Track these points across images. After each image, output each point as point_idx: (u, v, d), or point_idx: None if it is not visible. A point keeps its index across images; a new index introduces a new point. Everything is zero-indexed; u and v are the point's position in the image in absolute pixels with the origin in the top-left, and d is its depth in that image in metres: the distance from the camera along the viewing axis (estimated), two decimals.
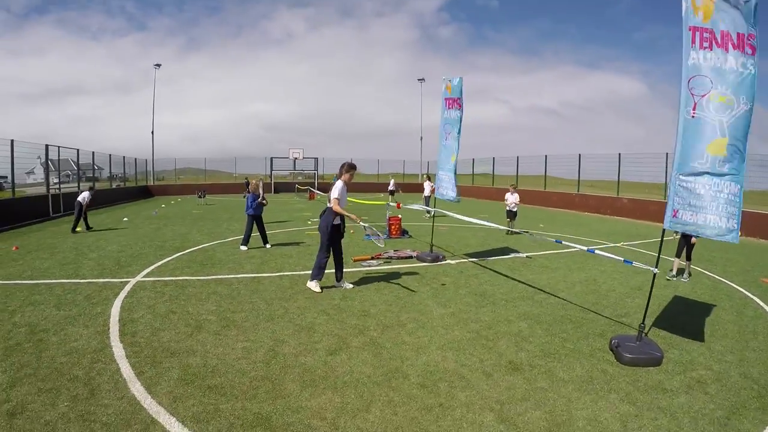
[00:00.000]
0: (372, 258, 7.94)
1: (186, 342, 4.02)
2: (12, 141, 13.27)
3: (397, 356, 3.84)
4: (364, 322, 4.61)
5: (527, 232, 10.71)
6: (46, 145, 15.09)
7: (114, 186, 24.73)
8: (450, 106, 7.87)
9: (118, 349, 3.84)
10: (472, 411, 3.00)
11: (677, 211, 3.98)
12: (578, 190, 20.58)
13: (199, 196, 22.73)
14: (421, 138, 39.28)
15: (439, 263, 7.77)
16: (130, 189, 26.08)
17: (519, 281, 6.68)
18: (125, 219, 14.34)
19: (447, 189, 8.03)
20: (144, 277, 6.49)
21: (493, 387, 3.36)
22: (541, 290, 6.22)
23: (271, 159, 32.31)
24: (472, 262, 7.97)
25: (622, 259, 4.85)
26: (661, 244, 4.21)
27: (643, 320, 4.22)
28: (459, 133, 7.79)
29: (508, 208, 12.14)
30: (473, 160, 29.29)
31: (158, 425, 2.69)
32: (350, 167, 5.79)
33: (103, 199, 19.04)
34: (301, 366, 3.53)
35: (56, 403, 2.91)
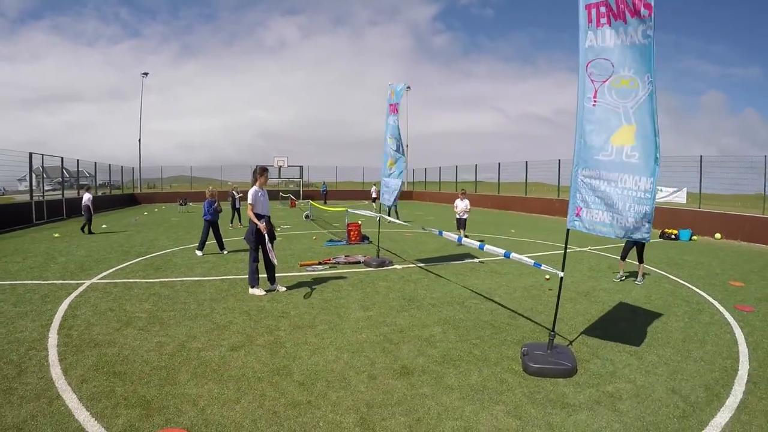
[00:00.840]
0: (319, 263, 8.42)
1: (111, 335, 4.53)
2: (30, 154, 14.06)
3: (292, 355, 4.02)
4: (278, 323, 4.95)
5: (430, 230, 11.16)
6: (30, 153, 15.64)
7: (100, 193, 25.22)
8: (392, 112, 8.12)
9: (52, 340, 4.35)
10: (336, 411, 3.06)
11: (580, 209, 3.72)
12: (558, 196, 21.19)
13: (181, 204, 23.26)
14: (407, 145, 39.83)
15: (385, 268, 8.08)
16: (116, 197, 26.65)
17: (459, 286, 6.76)
18: (104, 226, 14.86)
19: (385, 194, 8.51)
20: (99, 279, 7.01)
21: (370, 390, 3.37)
22: (479, 295, 6.25)
23: (257, 167, 32.72)
24: (420, 267, 8.26)
25: (532, 262, 4.51)
26: (566, 244, 4.12)
27: (553, 327, 4.01)
28: (399, 138, 8.04)
29: (457, 216, 11.41)
30: (456, 167, 29.92)
31: (61, 400, 3.21)
32: (262, 171, 6.15)
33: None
34: (200, 359, 3.94)
35: None
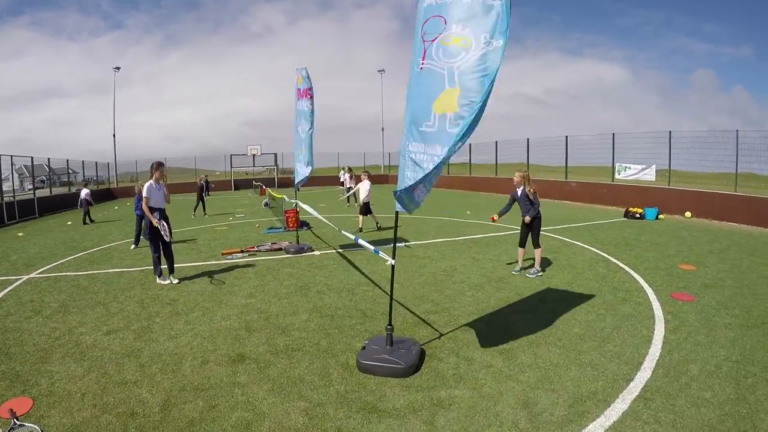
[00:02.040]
0: (241, 251, 9.15)
1: (20, 323, 5.27)
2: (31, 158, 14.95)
3: (152, 339, 4.54)
4: (161, 310, 5.50)
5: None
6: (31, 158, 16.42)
7: (74, 190, 25.91)
8: (300, 96, 8.22)
9: None
10: (150, 391, 3.47)
11: (415, 189, 3.29)
12: (566, 177, 20.33)
13: None
14: (383, 129, 40.52)
15: (302, 255, 8.65)
16: (92, 191, 27.29)
17: (362, 272, 6.95)
18: (69, 223, 15.64)
19: (297, 178, 9.00)
20: (37, 274, 7.78)
21: (194, 375, 3.72)
22: (374, 282, 6.39)
23: (231, 156, 33.59)
24: (338, 252, 8.76)
25: (373, 248, 4.80)
26: (395, 231, 4.04)
27: (390, 321, 3.87)
28: (312, 126, 8.14)
29: (364, 200, 10.81)
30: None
31: None
32: (158, 166, 6.64)
33: (57, 204, 20.32)
34: (76, 342, 4.63)
35: None
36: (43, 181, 31.66)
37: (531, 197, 6.38)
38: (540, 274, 6.51)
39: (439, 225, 12.19)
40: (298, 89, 8.47)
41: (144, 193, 6.52)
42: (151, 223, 6.53)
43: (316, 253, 8.85)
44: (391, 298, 4.03)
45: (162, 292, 6.43)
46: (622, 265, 7.01)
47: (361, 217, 11.14)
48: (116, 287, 6.73)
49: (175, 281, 6.80)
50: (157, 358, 4.21)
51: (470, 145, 26.42)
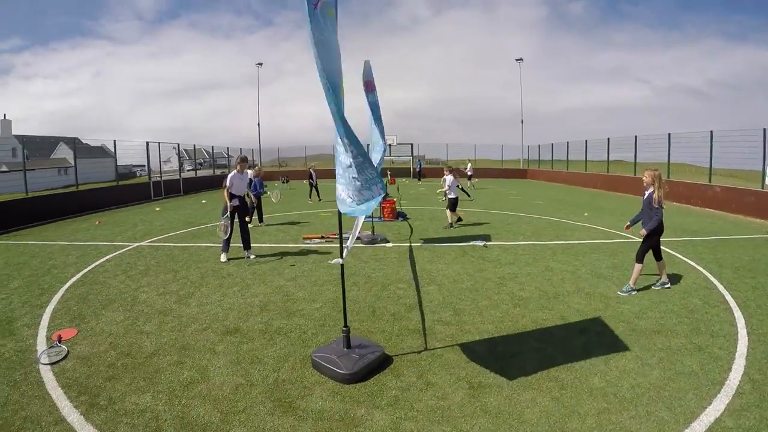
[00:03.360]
0: (321, 237, 10.25)
1: (108, 279, 7.08)
2: (147, 143, 19.89)
3: (186, 303, 5.76)
4: (212, 281, 6.77)
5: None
6: (147, 143, 21.03)
7: (218, 173, 31.12)
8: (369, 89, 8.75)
9: (75, 277, 7.16)
10: (157, 340, 4.82)
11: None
12: (668, 176, 19.27)
13: (283, 182, 27.40)
14: (522, 121, 38.88)
15: (374, 245, 9.33)
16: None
17: (414, 270, 7.24)
18: (203, 201, 19.07)
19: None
20: (146, 242, 10.04)
21: (192, 336, 4.69)
22: (420, 281, 6.62)
23: (367, 145, 36.05)
24: (416, 245, 9.24)
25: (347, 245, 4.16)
26: (340, 230, 4.33)
27: (345, 323, 4.08)
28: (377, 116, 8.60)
29: (451, 195, 11.22)
30: (586, 141, 28.46)
31: (49, 301, 5.79)
32: (241, 160, 8.20)
33: (201, 185, 24.91)
34: (133, 297, 6.12)
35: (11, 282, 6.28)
36: (201, 164, 38.82)
37: (656, 204, 5.73)
38: (667, 285, 6.19)
39: (543, 226, 11.70)
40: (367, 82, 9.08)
41: (226, 183, 7.97)
42: (225, 207, 7.94)
43: (389, 245, 9.42)
44: (344, 299, 4.20)
45: (226, 266, 7.75)
46: (729, 299, 5.83)
47: (448, 212, 11.55)
48: (195, 259, 8.32)
49: (252, 257, 8.23)
50: (177, 319, 5.33)
51: (608, 140, 24.13)
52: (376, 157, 9.14)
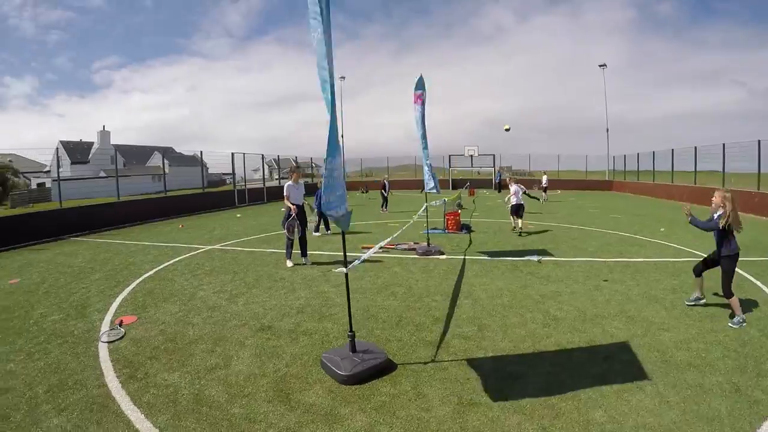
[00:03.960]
0: (380, 247, 10.74)
1: (174, 276, 8.16)
2: (232, 153, 22.18)
3: (234, 301, 6.56)
4: (265, 284, 7.52)
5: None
6: (232, 153, 23.11)
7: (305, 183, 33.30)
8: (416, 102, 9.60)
9: (149, 272, 8.35)
10: (198, 328, 5.65)
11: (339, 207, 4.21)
12: (758, 188, 17.54)
13: (363, 192, 28.49)
14: (607, 130, 36.80)
15: (428, 256, 9.59)
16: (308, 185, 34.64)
17: (459, 283, 7.41)
18: (282, 209, 20.50)
19: (428, 181, 9.98)
20: (217, 246, 11.25)
21: (232, 330, 5.58)
22: (457, 294, 6.79)
23: (449, 156, 36.41)
24: (470, 258, 9.36)
25: (358, 261, 5.27)
26: (344, 243, 4.75)
27: (350, 328, 4.47)
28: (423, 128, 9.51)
29: (513, 202, 12.57)
30: (672, 151, 26.57)
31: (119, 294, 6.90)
32: (294, 170, 9.06)
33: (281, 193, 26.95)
34: (191, 293, 7.00)
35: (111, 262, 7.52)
36: (287, 173, 41.54)
37: (725, 226, 5.37)
38: (743, 323, 5.42)
39: (610, 241, 11.21)
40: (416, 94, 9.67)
41: (285, 192, 8.81)
42: (289, 214, 8.70)
43: (442, 257, 9.61)
44: (349, 306, 4.61)
45: (281, 271, 8.51)
46: None
47: (512, 218, 12.63)
48: (257, 262, 9.22)
49: (308, 263, 8.97)
50: (222, 315, 6.08)
51: (695, 148, 22.25)
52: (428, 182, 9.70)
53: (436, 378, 4.20)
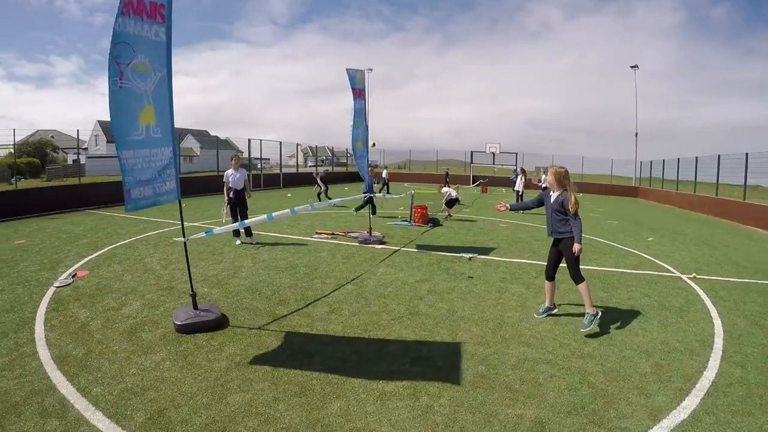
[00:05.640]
0: (332, 233, 12.10)
1: (142, 245, 10.49)
2: (280, 142, 25.60)
3: (171, 269, 8.92)
4: (206, 257, 9.58)
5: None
6: (260, 141, 25.75)
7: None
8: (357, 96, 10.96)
9: (123, 242, 10.67)
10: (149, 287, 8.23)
11: (130, 191, 4.85)
12: None
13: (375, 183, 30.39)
14: (636, 134, 36.23)
15: (366, 245, 10.83)
16: (340, 173, 36.69)
17: (372, 271, 8.42)
18: (289, 195, 22.78)
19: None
20: (199, 223, 13.50)
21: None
22: (360, 281, 7.91)
23: (471, 153, 37.49)
24: (404, 250, 10.39)
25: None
26: (181, 214, 6.35)
27: (191, 289, 5.80)
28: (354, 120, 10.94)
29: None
30: (696, 158, 26.28)
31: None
32: (234, 160, 11.02)
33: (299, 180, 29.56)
34: (145, 263, 9.16)
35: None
36: (323, 161, 44.15)
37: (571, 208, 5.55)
38: (592, 327, 5.51)
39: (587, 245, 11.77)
40: (354, 89, 11.00)
41: (225, 177, 10.83)
42: (229, 197, 10.77)
43: (378, 246, 10.81)
44: (189, 268, 5.99)
45: (226, 248, 10.43)
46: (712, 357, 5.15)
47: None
48: (218, 240, 11.26)
49: (254, 242, 10.68)
50: (147, 276, 8.11)
51: (718, 156, 21.90)
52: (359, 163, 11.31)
53: (244, 341, 5.24)
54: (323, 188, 20.36)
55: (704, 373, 4.76)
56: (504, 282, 7.92)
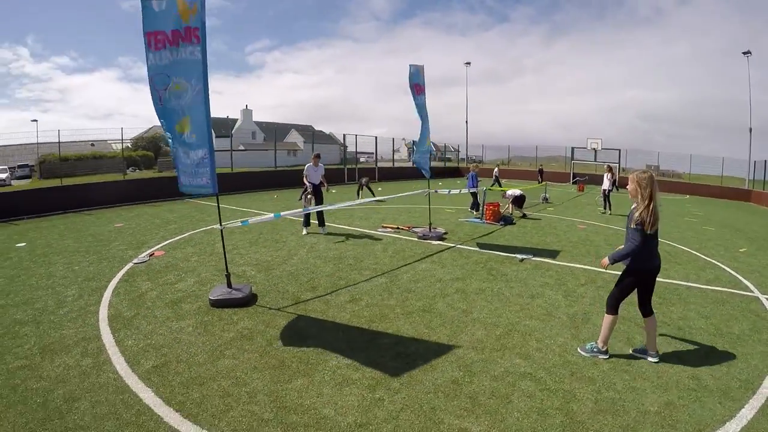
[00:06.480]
0: (398, 228, 12.49)
1: (233, 232, 11.88)
2: (375, 137, 27.84)
3: (233, 254, 10.08)
4: (268, 245, 10.55)
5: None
6: (375, 137, 27.22)
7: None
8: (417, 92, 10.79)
9: (203, 229, 12.19)
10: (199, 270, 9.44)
11: (179, 177, 6.28)
12: None
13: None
14: (750, 129, 31.56)
15: (423, 240, 11.02)
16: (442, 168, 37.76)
17: (413, 265, 8.59)
18: (333, 191, 23.72)
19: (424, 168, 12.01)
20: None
21: (260, 273, 9.41)
22: (395, 274, 8.12)
23: (572, 148, 35.81)
24: (460, 247, 10.38)
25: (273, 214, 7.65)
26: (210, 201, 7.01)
27: (226, 270, 6.64)
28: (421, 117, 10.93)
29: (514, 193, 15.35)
30: None
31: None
32: (315, 157, 11.76)
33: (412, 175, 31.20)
34: (214, 247, 10.37)
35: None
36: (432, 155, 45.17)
37: (634, 224, 4.43)
38: (657, 360, 4.82)
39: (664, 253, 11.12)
40: (416, 85, 10.86)
41: (305, 171, 11.81)
42: (304, 190, 11.82)
43: (434, 242, 10.92)
44: (224, 252, 6.92)
45: (291, 237, 11.32)
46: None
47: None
48: (282, 229, 12.37)
49: (324, 232, 11.58)
50: (213, 258, 9.28)
51: None
52: (419, 158, 11.68)
53: (258, 319, 5.88)
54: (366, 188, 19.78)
55: (727, 424, 3.73)
56: (543, 287, 7.43)
